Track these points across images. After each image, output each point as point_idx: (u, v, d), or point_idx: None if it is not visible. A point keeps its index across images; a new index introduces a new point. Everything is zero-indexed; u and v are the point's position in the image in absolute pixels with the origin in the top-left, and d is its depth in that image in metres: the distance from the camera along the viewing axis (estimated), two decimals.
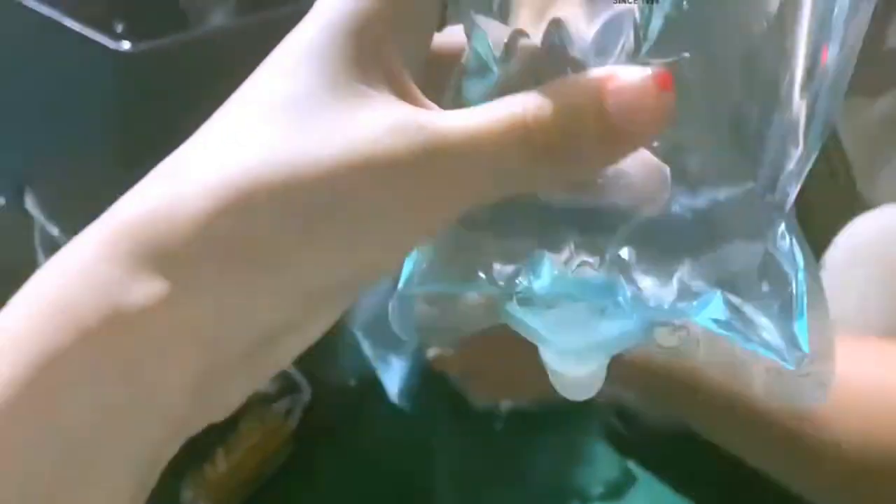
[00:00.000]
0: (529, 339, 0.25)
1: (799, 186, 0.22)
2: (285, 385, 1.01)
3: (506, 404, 1.16)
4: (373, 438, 1.08)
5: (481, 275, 0.23)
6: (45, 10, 0.82)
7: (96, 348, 0.20)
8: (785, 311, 0.21)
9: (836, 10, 0.21)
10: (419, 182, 0.20)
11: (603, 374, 0.26)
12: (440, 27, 0.24)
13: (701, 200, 0.22)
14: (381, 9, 0.21)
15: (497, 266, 0.23)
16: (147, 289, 0.20)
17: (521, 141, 0.20)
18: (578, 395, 0.26)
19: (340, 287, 0.22)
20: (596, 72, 0.21)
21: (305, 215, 0.20)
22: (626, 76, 0.20)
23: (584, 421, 1.17)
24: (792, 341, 0.21)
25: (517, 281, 0.23)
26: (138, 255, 0.21)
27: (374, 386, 1.14)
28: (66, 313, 0.20)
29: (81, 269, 0.21)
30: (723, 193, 0.22)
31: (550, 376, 0.26)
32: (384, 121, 0.20)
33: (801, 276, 0.22)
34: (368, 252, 0.21)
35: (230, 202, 0.20)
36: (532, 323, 0.24)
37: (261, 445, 0.95)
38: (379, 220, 0.20)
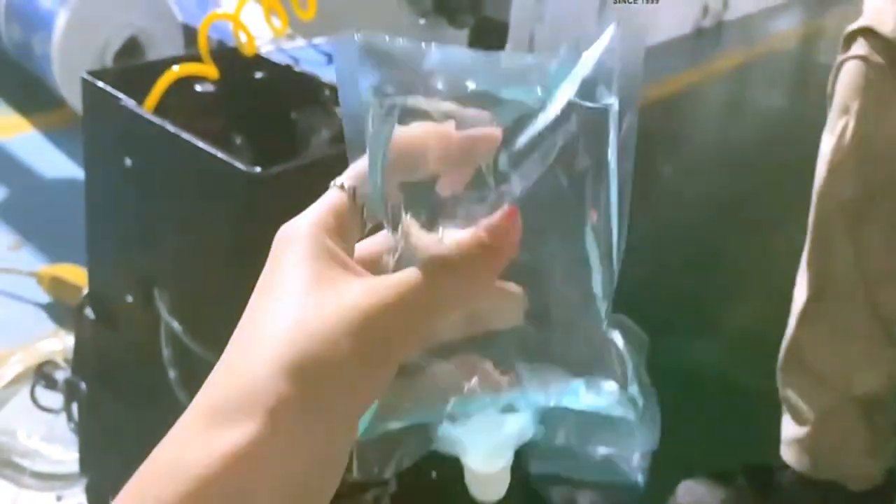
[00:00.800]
0: (456, 453, 0.35)
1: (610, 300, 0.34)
2: (373, 476, 1.06)
3: (583, 501, 1.20)
4: None
5: (419, 408, 0.33)
6: (186, 136, 0.93)
7: (211, 486, 0.29)
8: (624, 381, 0.33)
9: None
10: (398, 316, 0.31)
11: (508, 476, 0.36)
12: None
13: (556, 314, 0.34)
14: (335, 224, 0.34)
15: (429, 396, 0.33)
16: (244, 430, 0.30)
17: (446, 274, 0.32)
18: (492, 495, 0.36)
19: None
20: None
21: (344, 367, 0.30)
22: (494, 218, 0.32)
23: None
24: (631, 401, 0.33)
25: (447, 406, 0.33)
26: (234, 408, 0.30)
27: (454, 478, 1.18)
28: (181, 467, 0.30)
29: (191, 437, 0.31)
30: (570, 312, 0.34)
31: (469, 483, 0.36)
32: (362, 287, 0.32)
33: (627, 355, 0.34)
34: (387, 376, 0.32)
35: (292, 367, 0.30)
36: (458, 434, 0.34)
37: None
38: (386, 352, 0.31)
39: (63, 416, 1.13)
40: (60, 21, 2.12)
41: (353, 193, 0.35)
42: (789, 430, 1.22)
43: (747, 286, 2.08)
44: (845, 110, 1.05)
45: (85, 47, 2.12)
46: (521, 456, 1.18)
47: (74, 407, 1.09)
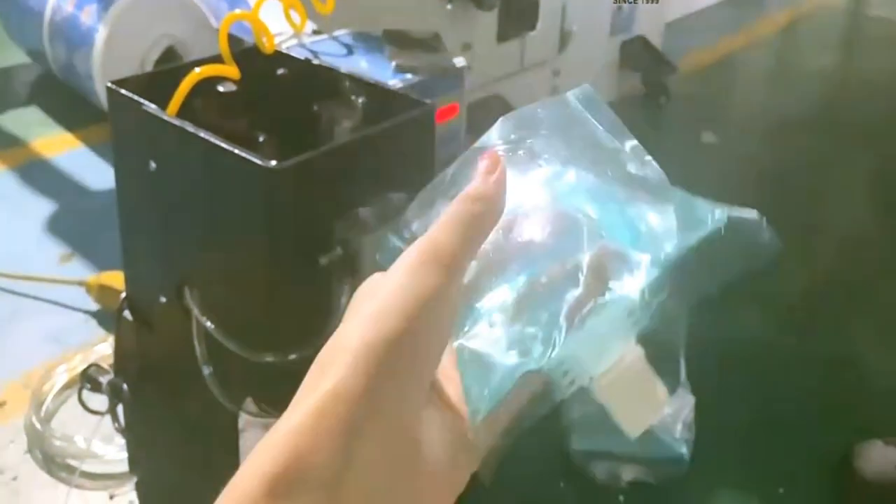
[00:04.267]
0: (583, 383, 0.34)
1: None
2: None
3: (627, 475, 1.18)
4: None
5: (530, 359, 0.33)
6: (203, 134, 0.94)
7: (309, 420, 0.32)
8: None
9: None
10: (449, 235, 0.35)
11: (660, 392, 0.34)
12: None
13: None
14: None
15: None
16: (333, 372, 0.32)
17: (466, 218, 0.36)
18: (643, 423, 0.34)
19: None
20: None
21: (415, 298, 0.34)
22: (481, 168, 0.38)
23: (705, 493, 1.18)
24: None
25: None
26: (326, 362, 0.34)
27: (503, 478, 1.18)
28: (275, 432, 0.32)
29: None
30: None
31: (616, 414, 0.34)
32: None
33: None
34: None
35: None
36: (576, 352, 0.34)
37: None
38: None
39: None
40: (100, 37, 2.17)
41: None
42: None
43: (793, 256, 2.03)
44: None
45: (124, 61, 2.16)
46: (563, 433, 1.17)
47: (119, 408, 1.12)
